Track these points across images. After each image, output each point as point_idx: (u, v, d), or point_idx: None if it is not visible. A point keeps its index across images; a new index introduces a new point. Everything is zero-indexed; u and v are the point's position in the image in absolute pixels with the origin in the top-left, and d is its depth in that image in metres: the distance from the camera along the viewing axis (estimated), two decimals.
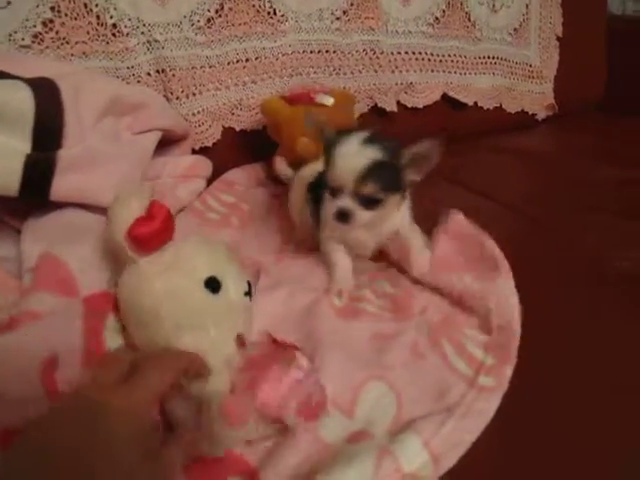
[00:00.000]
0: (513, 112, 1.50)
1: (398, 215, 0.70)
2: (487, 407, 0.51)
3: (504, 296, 0.65)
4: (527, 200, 1.07)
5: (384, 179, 0.62)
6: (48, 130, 0.66)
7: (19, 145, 0.64)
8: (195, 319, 0.52)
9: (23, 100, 0.64)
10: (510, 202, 1.05)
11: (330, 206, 0.64)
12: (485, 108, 1.43)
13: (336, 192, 0.64)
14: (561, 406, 0.52)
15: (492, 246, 0.75)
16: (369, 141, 0.62)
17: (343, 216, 0.63)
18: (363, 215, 0.63)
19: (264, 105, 0.96)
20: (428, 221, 0.91)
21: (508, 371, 0.55)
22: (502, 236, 0.82)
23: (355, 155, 0.61)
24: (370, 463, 0.44)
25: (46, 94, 0.67)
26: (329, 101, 0.89)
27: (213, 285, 0.53)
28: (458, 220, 0.80)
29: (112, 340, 0.55)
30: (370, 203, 0.63)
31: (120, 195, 0.54)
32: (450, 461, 0.46)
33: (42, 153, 0.65)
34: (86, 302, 0.58)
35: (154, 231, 0.51)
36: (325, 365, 0.55)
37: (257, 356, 0.53)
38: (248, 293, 0.57)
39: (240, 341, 0.54)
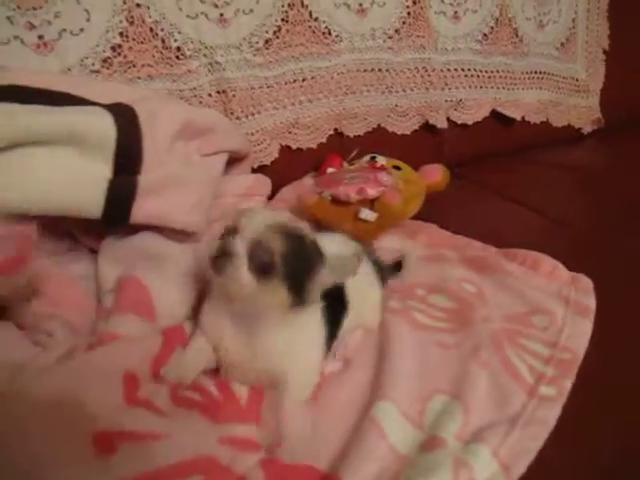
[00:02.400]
0: (560, 126, 1.49)
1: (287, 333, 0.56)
2: (549, 415, 0.52)
3: (574, 320, 0.67)
4: (578, 216, 1.06)
5: (289, 258, 0.51)
6: (129, 155, 0.67)
7: (102, 170, 0.65)
8: None
9: (106, 127, 0.66)
10: (561, 218, 1.04)
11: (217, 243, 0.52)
12: (532, 123, 1.42)
13: (234, 233, 0.52)
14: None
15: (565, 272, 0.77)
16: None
17: (224, 260, 0.50)
18: (245, 277, 0.50)
19: (311, 209, 0.91)
20: (487, 238, 0.92)
21: (568, 384, 0.56)
22: (556, 253, 0.83)
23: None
24: (448, 475, 0.45)
25: (126, 120, 0.68)
26: (372, 217, 0.86)
27: None
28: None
29: None
30: (262, 271, 0.50)
31: None
32: (519, 469, 0.47)
33: (123, 178, 0.67)
34: (165, 334, 0.60)
35: None
36: (394, 376, 0.56)
37: None
38: None
39: None
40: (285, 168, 1.04)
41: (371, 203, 0.88)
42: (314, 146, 1.09)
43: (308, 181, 1.05)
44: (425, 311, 0.71)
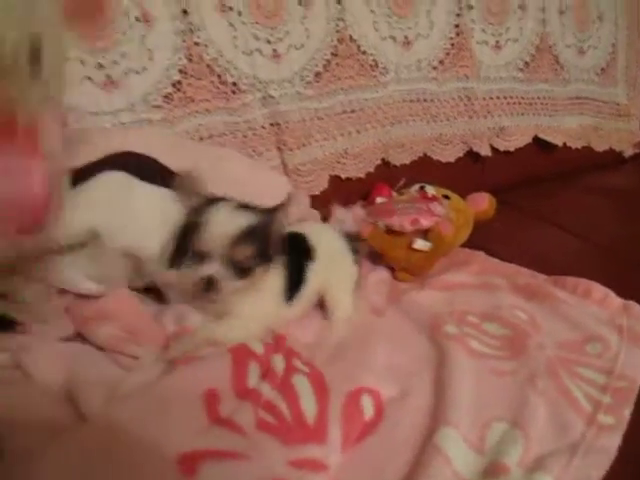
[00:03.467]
0: (601, 150, 1.48)
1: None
2: (609, 445, 0.53)
3: (629, 348, 0.67)
4: (623, 241, 1.07)
5: (258, 245, 0.61)
6: None
7: None
8: None
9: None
10: (607, 243, 1.04)
11: (193, 274, 0.60)
12: (573, 147, 1.42)
13: (202, 258, 0.60)
14: None
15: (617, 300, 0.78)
16: (242, 207, 0.62)
17: (210, 285, 0.59)
18: (232, 285, 0.60)
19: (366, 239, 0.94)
20: (534, 265, 0.92)
21: (627, 413, 0.57)
22: (604, 279, 0.83)
23: (229, 219, 0.61)
24: None
25: None
26: (426, 246, 0.88)
27: None
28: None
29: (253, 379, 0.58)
30: (242, 271, 0.60)
31: None
32: None
33: None
34: (232, 352, 0.61)
35: None
36: (454, 403, 0.57)
37: None
38: None
39: None
40: (334, 197, 1.06)
41: (424, 233, 0.90)
42: (362, 175, 1.11)
43: (357, 210, 1.06)
44: (479, 338, 0.72)
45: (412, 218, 0.88)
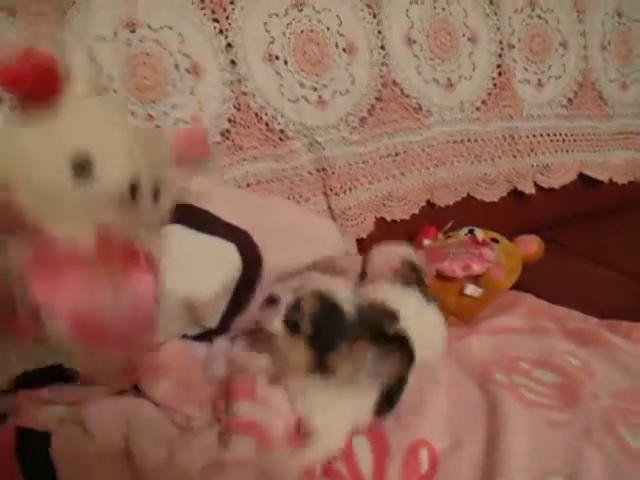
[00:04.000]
0: None
1: None
2: None
3: None
4: None
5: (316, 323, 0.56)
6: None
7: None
8: (47, 201, 0.41)
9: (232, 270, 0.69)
10: None
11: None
12: (619, 183, 1.39)
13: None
14: None
15: None
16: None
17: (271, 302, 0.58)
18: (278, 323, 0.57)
19: None
20: (583, 306, 0.90)
21: None
22: None
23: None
24: None
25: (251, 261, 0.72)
26: (477, 292, 0.87)
27: (80, 166, 0.41)
28: None
29: None
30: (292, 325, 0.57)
31: None
32: None
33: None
34: None
35: (23, 75, 0.38)
36: (509, 454, 0.56)
37: None
38: (133, 192, 0.43)
39: (104, 238, 0.43)
40: (380, 240, 1.06)
41: (475, 278, 0.88)
42: (407, 217, 1.10)
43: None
44: (531, 387, 0.70)
45: (464, 263, 0.87)
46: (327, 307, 0.57)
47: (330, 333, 0.56)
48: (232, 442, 0.56)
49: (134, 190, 0.43)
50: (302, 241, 0.82)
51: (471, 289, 0.87)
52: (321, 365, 0.56)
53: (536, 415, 0.63)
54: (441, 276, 0.89)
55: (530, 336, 0.85)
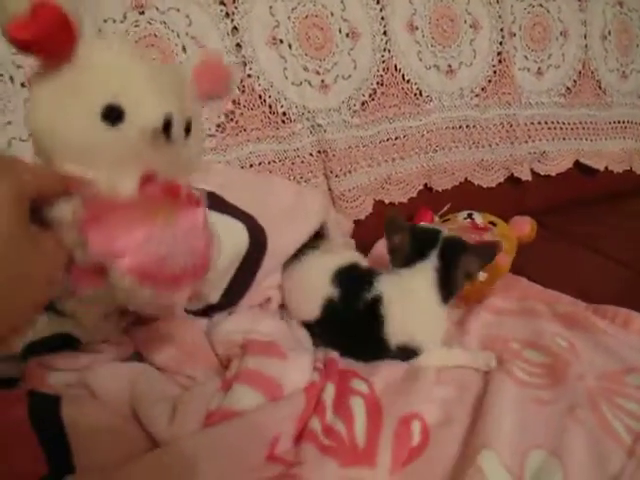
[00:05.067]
0: None
1: None
2: None
3: None
4: None
5: None
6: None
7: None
8: (83, 156, 0.41)
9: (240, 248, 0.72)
10: None
11: None
12: (615, 172, 1.41)
13: None
14: None
15: None
16: None
17: None
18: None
19: None
20: (574, 291, 0.93)
21: None
22: None
23: None
24: None
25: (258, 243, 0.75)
26: (483, 277, 0.89)
27: (111, 115, 0.40)
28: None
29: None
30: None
31: None
32: None
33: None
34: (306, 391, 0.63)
35: (32, 36, 0.37)
36: (495, 427, 0.58)
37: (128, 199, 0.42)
38: (163, 131, 0.42)
39: (145, 180, 0.43)
40: (378, 222, 1.08)
41: None
42: (405, 200, 1.13)
43: None
44: (521, 366, 0.72)
45: None
46: None
47: None
48: (232, 391, 0.59)
49: (167, 127, 0.42)
50: (296, 218, 0.85)
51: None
52: None
53: (524, 393, 0.66)
54: None
55: (521, 318, 0.87)
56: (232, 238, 0.71)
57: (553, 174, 1.31)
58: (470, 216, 1.02)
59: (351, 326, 0.75)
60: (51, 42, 0.38)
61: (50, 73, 0.40)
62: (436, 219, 1.08)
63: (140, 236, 0.39)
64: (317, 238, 0.86)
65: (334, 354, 0.73)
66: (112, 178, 0.41)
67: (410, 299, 0.74)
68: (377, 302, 0.73)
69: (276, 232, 0.77)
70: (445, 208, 1.10)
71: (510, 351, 0.76)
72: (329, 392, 0.64)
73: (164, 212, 0.41)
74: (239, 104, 0.99)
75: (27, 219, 0.34)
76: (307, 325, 0.79)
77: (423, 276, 0.73)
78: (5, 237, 0.31)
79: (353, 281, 0.77)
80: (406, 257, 0.73)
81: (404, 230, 0.74)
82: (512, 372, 0.70)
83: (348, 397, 0.64)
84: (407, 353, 0.73)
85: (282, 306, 0.84)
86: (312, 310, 0.76)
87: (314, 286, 0.78)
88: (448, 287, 0.74)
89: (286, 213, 0.83)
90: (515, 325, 0.84)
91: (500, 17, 1.20)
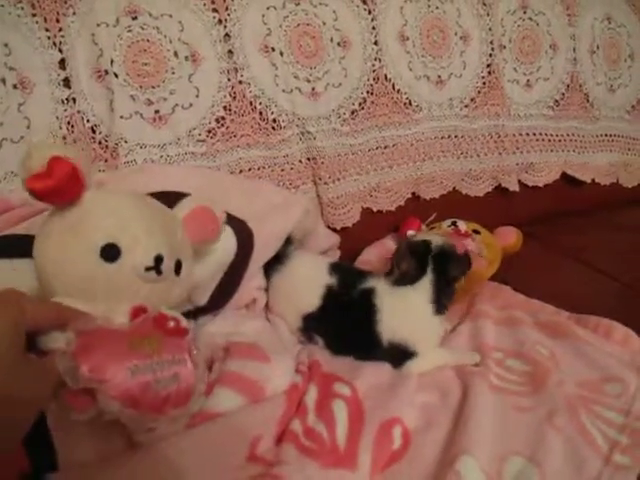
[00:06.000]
0: (630, 187, 1.49)
1: None
2: None
3: None
4: None
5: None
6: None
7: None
8: (83, 289, 0.47)
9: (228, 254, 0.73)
10: (633, 283, 1.04)
11: None
12: (602, 184, 1.43)
13: None
14: None
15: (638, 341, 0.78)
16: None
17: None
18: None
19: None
20: (558, 301, 0.94)
21: None
22: (628, 320, 0.83)
23: None
24: None
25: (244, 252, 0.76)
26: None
27: (109, 253, 0.47)
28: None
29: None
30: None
31: (27, 146, 0.51)
32: None
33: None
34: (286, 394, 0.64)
35: (47, 188, 0.44)
36: (474, 434, 0.59)
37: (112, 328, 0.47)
38: (154, 268, 0.49)
39: (137, 312, 0.48)
40: (366, 230, 1.10)
41: None
42: (393, 209, 1.14)
43: (388, 242, 1.10)
44: (502, 375, 0.74)
45: None
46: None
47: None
48: (213, 394, 0.60)
49: (158, 264, 0.49)
50: (277, 212, 0.86)
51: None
52: None
53: (503, 400, 0.67)
54: None
55: (505, 327, 0.88)
56: (220, 243, 0.72)
57: (540, 185, 1.33)
58: (454, 224, 1.03)
59: (348, 314, 0.77)
60: (63, 192, 0.46)
61: (59, 214, 0.48)
62: (423, 227, 1.09)
63: (127, 365, 0.43)
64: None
65: (318, 356, 0.74)
66: (107, 310, 0.47)
67: (408, 310, 0.77)
68: (371, 293, 0.76)
69: (259, 226, 0.79)
70: (432, 217, 1.11)
71: (492, 360, 0.77)
72: (311, 395, 0.65)
73: (151, 342, 0.46)
74: (230, 110, 1.00)
75: (23, 346, 0.38)
76: (305, 318, 0.80)
77: (423, 290, 0.76)
78: (2, 361, 0.36)
79: (347, 272, 0.82)
80: (411, 278, 0.75)
81: (410, 256, 0.76)
82: (492, 380, 0.71)
83: (330, 400, 0.65)
84: (398, 353, 0.74)
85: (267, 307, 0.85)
86: (312, 300, 0.78)
87: (314, 276, 0.81)
88: (444, 297, 0.77)
89: (270, 209, 0.85)
90: (499, 335, 0.85)
91: (490, 29, 1.22)
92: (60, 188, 0.45)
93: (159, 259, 0.49)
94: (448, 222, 1.06)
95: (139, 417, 0.45)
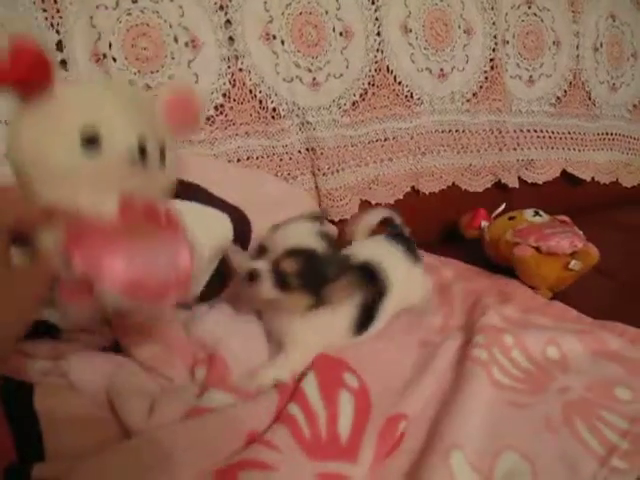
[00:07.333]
0: (629, 186, 1.49)
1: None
2: None
3: None
4: None
5: (307, 269, 0.62)
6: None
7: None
8: (65, 182, 0.43)
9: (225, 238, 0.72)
10: (634, 282, 1.04)
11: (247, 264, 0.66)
12: (602, 183, 1.43)
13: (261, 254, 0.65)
14: None
15: None
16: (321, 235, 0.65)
17: (252, 277, 0.63)
18: (270, 291, 0.63)
19: (527, 261, 0.97)
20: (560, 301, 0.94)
21: None
22: (626, 318, 0.83)
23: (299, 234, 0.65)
24: None
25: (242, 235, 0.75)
26: (579, 266, 0.93)
27: (89, 140, 0.43)
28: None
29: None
30: (283, 283, 0.63)
31: None
32: None
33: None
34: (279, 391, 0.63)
35: (12, 81, 0.40)
36: (465, 427, 0.59)
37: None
38: (142, 154, 0.45)
39: (125, 203, 0.45)
40: None
41: (572, 254, 0.95)
42: (391, 201, 1.13)
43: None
44: (505, 368, 0.72)
45: (570, 241, 0.94)
46: (304, 258, 0.63)
47: (316, 277, 0.64)
48: (206, 396, 0.60)
49: (142, 152, 0.45)
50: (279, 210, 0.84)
51: (574, 263, 0.93)
52: (318, 302, 0.65)
53: (501, 395, 0.66)
54: (546, 253, 0.94)
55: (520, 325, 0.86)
56: (215, 230, 0.71)
57: (540, 182, 1.32)
58: (537, 213, 1.05)
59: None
60: (30, 82, 0.41)
61: (29, 108, 0.43)
62: (492, 219, 1.09)
63: (122, 255, 0.41)
64: None
65: None
66: (93, 203, 0.44)
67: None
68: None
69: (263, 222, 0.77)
70: (500, 208, 1.09)
71: (500, 345, 0.75)
72: (309, 380, 0.64)
73: (144, 233, 0.44)
74: (229, 98, 0.99)
75: (6, 245, 0.38)
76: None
77: None
78: None
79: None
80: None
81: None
82: (492, 373, 0.70)
83: (338, 390, 0.63)
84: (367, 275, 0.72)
85: None
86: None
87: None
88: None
89: (274, 205, 0.84)
90: (513, 326, 0.83)
91: (494, 24, 1.21)
92: (26, 78, 0.41)
93: (143, 145, 0.45)
94: (531, 212, 1.06)
95: (140, 306, 0.44)
